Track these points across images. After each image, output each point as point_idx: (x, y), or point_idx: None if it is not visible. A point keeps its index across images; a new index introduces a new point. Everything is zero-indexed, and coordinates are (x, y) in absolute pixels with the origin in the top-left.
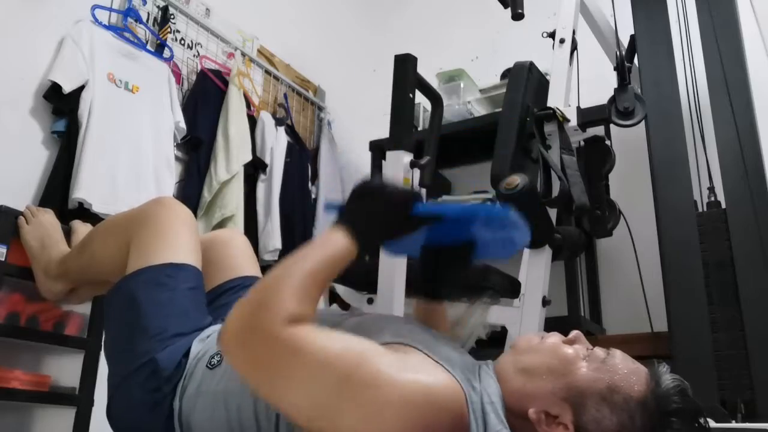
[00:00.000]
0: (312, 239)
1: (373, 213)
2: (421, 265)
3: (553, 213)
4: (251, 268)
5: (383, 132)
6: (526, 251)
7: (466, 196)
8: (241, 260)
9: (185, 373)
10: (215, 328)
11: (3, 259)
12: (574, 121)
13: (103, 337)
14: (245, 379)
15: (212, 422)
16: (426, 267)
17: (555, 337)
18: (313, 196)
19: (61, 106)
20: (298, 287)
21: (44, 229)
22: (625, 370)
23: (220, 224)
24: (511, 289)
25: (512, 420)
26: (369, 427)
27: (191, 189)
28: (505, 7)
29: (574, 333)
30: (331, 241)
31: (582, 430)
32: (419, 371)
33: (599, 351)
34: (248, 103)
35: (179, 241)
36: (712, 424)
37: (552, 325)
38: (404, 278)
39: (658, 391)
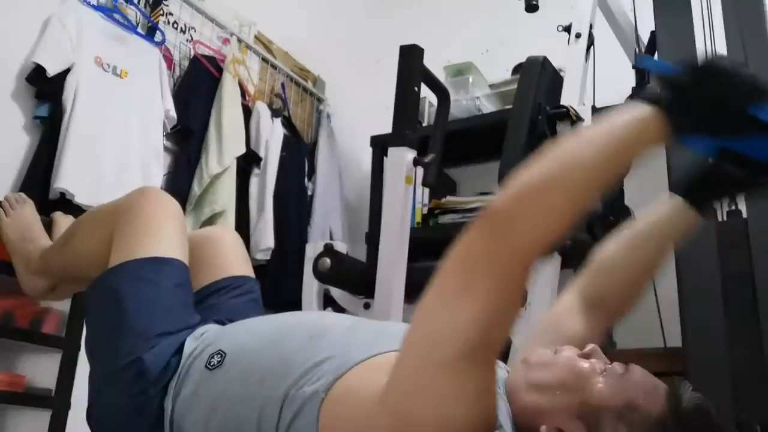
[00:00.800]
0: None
1: (714, 99)
2: (709, 167)
3: None
4: (242, 268)
5: (386, 127)
6: None
7: (472, 197)
8: (232, 259)
9: (179, 372)
10: (208, 327)
11: None
12: (588, 121)
13: (84, 334)
14: (455, 264)
15: (207, 427)
16: (714, 168)
17: (570, 351)
18: (309, 192)
19: (45, 90)
20: (566, 207)
21: (24, 222)
22: (644, 387)
23: (210, 220)
24: None
25: None
26: (427, 401)
27: (180, 182)
28: None
29: (590, 346)
30: (639, 136)
31: None
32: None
33: (617, 366)
34: (243, 93)
35: (164, 234)
36: None
37: None
38: (403, 280)
39: (678, 410)
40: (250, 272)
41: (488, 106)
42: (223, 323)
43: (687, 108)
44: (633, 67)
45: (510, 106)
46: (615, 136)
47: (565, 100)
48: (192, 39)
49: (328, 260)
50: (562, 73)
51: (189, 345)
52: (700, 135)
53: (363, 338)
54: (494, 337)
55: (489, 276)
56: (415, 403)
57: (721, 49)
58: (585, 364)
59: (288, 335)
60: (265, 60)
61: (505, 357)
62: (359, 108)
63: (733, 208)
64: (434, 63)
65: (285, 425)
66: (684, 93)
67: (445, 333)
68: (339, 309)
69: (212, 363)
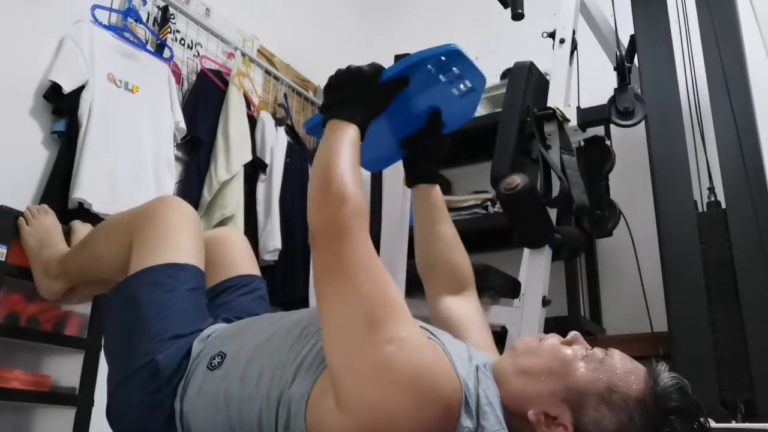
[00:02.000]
0: None
1: (351, 93)
2: (406, 158)
3: (553, 213)
4: (249, 267)
5: None
6: (526, 251)
7: (467, 195)
8: (240, 259)
9: (186, 373)
10: (216, 327)
11: (3, 259)
12: (574, 121)
13: (104, 337)
14: (318, 283)
15: (214, 425)
16: (410, 157)
17: (554, 339)
18: None
19: (61, 106)
20: (349, 171)
21: (44, 230)
22: (624, 370)
23: (220, 224)
24: (511, 289)
25: (511, 421)
26: (376, 380)
27: (191, 189)
28: (505, 7)
29: (572, 334)
30: (335, 134)
31: (581, 430)
32: (434, 355)
33: (598, 351)
34: (248, 103)
35: (181, 241)
36: (712, 424)
37: (552, 325)
38: (403, 277)
39: (656, 390)
40: (256, 271)
41: (479, 110)
42: (231, 321)
43: (343, 109)
44: (614, 69)
45: (500, 109)
46: (328, 143)
47: (551, 102)
48: (198, 54)
49: None
50: (547, 77)
51: (196, 347)
52: (371, 114)
53: None
54: (383, 293)
55: (337, 264)
56: (369, 390)
57: (697, 50)
58: (568, 351)
59: (283, 334)
60: (267, 72)
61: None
62: None
63: (713, 199)
64: None
65: (282, 425)
66: (332, 106)
67: (349, 322)
68: None
69: (213, 364)
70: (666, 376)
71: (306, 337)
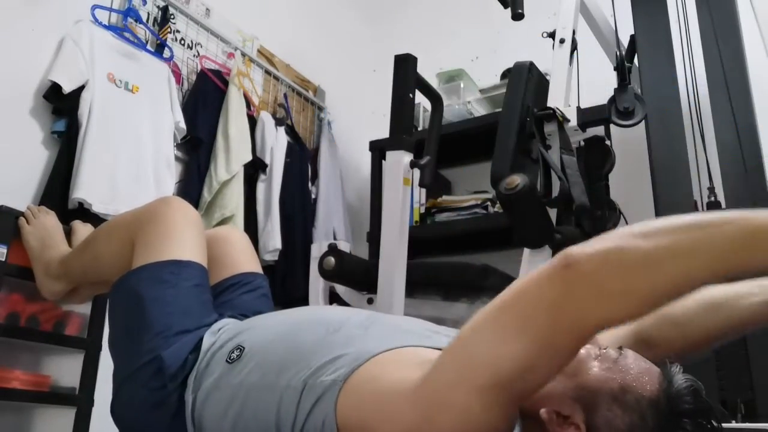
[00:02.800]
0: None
1: None
2: None
3: (553, 213)
4: (251, 265)
5: (383, 132)
6: (526, 251)
7: (467, 195)
8: (241, 257)
9: (198, 365)
10: (226, 321)
11: (3, 259)
12: (574, 121)
13: (108, 333)
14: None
15: (225, 417)
16: None
17: None
18: (313, 196)
19: (61, 106)
20: (649, 298)
21: (45, 230)
22: (637, 370)
23: (220, 224)
24: None
25: (523, 420)
26: (466, 385)
27: (191, 189)
28: (505, 7)
29: None
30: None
31: (593, 429)
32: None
33: (611, 351)
34: (248, 103)
35: (184, 240)
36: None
37: None
38: (404, 278)
39: (670, 392)
40: (258, 269)
41: (479, 110)
42: (238, 319)
43: None
44: (614, 69)
45: (500, 110)
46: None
47: (551, 102)
48: (198, 54)
49: (332, 259)
50: (547, 77)
51: (207, 340)
52: None
53: (378, 332)
54: (525, 382)
55: (545, 329)
56: (442, 412)
57: (697, 50)
58: (581, 350)
59: (305, 329)
60: (267, 72)
61: None
62: (358, 115)
63: (713, 199)
64: (427, 70)
65: (305, 412)
66: None
67: (486, 360)
68: (344, 304)
69: (232, 357)
70: (680, 377)
71: (332, 332)
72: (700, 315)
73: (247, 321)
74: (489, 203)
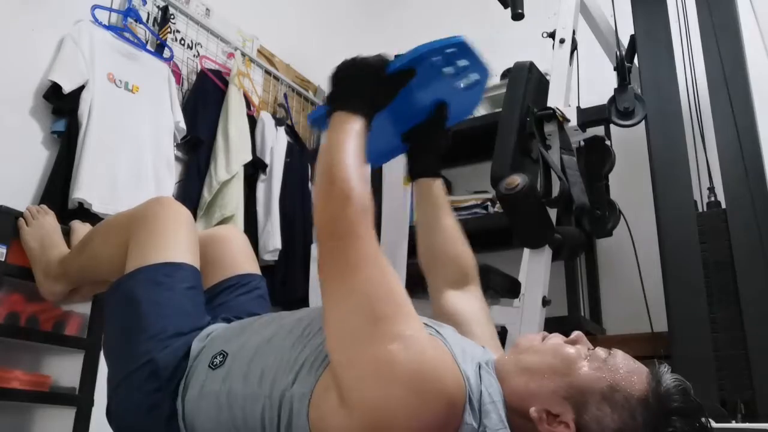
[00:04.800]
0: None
1: (357, 85)
2: (409, 151)
3: (553, 213)
4: (249, 265)
5: None
6: (526, 251)
7: (467, 195)
8: (239, 257)
9: (186, 373)
10: (216, 327)
11: (3, 260)
12: (574, 121)
13: (103, 336)
14: (323, 279)
15: (218, 423)
16: (412, 150)
17: (557, 338)
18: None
19: (61, 106)
20: (354, 168)
21: (44, 231)
22: (626, 370)
23: (220, 224)
24: (511, 289)
25: (513, 419)
26: (379, 377)
27: (191, 189)
28: (505, 7)
29: (575, 333)
30: (340, 127)
31: (583, 428)
32: (438, 353)
33: (600, 351)
34: (248, 103)
35: (177, 241)
36: (713, 424)
37: (552, 325)
38: (404, 274)
39: (659, 391)
40: (256, 269)
41: (479, 110)
42: (230, 321)
43: (349, 101)
44: (614, 69)
45: (500, 109)
46: (334, 137)
47: (551, 102)
48: (198, 54)
49: None
50: (547, 77)
51: (195, 346)
52: (377, 105)
53: None
54: (388, 290)
55: (342, 261)
56: (372, 387)
57: (697, 50)
58: (571, 349)
59: (285, 333)
60: (267, 72)
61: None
62: None
63: (713, 199)
64: None
65: (285, 425)
66: (338, 98)
67: (353, 318)
68: None
69: (215, 363)
70: (669, 377)
71: (308, 336)
72: (428, 241)
73: (234, 324)
74: (489, 203)
